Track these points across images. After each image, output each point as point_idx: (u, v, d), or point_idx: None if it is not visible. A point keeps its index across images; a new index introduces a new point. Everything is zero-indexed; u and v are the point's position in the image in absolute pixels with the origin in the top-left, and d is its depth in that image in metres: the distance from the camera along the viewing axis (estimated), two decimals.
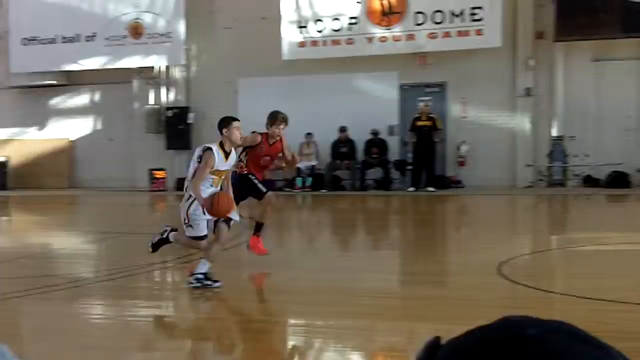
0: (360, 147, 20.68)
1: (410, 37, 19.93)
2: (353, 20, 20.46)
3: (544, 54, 19.48)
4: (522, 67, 19.67)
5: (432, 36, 19.74)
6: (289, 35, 21.00)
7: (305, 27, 20.89)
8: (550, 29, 19.18)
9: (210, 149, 8.10)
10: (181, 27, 22.26)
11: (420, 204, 18.28)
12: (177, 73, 23.09)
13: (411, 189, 19.45)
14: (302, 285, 8.79)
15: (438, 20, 19.66)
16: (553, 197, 18.41)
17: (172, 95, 23.25)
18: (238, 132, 8.23)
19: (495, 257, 9.50)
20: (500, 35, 19.14)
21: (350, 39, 20.45)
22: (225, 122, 8.25)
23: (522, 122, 19.78)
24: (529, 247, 11.75)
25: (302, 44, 20.98)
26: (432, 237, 13.18)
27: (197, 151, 8.28)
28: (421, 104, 19.87)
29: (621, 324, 6.41)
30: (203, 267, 8.20)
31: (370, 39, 20.30)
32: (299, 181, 20.67)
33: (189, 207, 8.11)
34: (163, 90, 23.22)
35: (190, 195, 8.10)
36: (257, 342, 6.56)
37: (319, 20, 20.76)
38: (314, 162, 20.85)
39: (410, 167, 20.06)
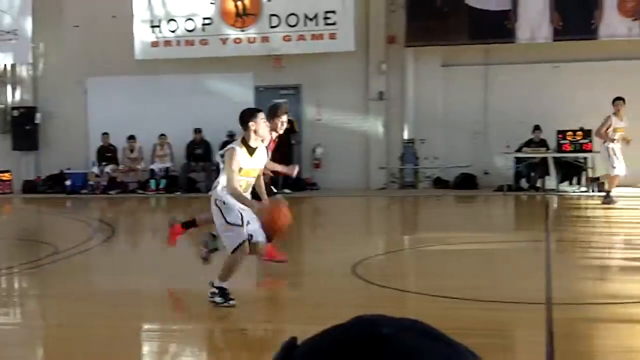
0: (215, 148, 20.48)
1: (265, 39, 19.95)
2: (207, 21, 20.27)
3: (395, 58, 19.90)
4: (374, 71, 20.03)
5: (286, 39, 19.81)
6: (142, 34, 20.58)
7: (158, 26, 20.52)
8: (401, 33, 19.63)
9: (232, 147, 7.34)
10: (28, 25, 21.40)
11: None
12: (23, 72, 22.18)
13: None
14: (157, 290, 8.61)
15: (292, 23, 19.76)
16: (405, 198, 18.86)
17: (18, 95, 22.31)
18: (266, 125, 7.47)
19: (350, 257, 9.61)
20: (353, 40, 19.42)
21: (204, 39, 20.25)
22: (250, 114, 7.41)
23: (375, 125, 20.14)
24: (383, 247, 11.97)
25: (155, 44, 20.60)
26: (288, 239, 13.20)
27: (220, 153, 7.58)
28: None
29: (470, 321, 6.62)
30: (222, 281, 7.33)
31: (224, 40, 20.17)
32: (152, 183, 20.28)
33: (224, 216, 7.19)
34: (9, 89, 22.25)
35: (224, 203, 7.20)
36: (107, 348, 6.35)
37: (172, 20, 20.45)
38: (168, 164, 20.51)
39: None
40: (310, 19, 19.62)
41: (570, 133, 17.73)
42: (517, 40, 18.88)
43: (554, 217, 14.83)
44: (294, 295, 8.22)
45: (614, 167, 15.22)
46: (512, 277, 8.84)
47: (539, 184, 18.43)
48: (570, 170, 18.42)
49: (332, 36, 19.47)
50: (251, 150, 7.34)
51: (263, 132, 7.39)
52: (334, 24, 19.44)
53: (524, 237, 12.22)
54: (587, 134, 17.55)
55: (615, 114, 15.25)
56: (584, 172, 18.17)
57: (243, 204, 7.10)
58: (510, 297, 7.49)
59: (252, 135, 7.30)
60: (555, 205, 16.51)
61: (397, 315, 0.91)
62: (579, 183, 18.28)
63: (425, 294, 7.82)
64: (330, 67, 19.87)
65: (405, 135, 19.96)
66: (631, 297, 7.43)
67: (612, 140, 15.14)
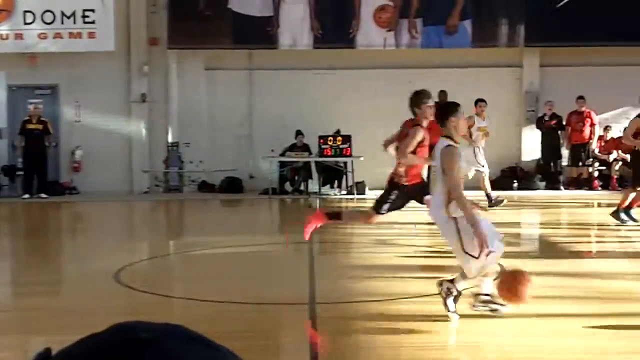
0: None
1: (19, 36, 18.90)
2: None
3: (158, 60, 19.57)
4: (136, 72, 19.58)
5: (42, 36, 18.91)
6: None
7: None
8: (163, 35, 19.34)
9: (450, 145, 6.42)
10: None
11: (32, 211, 17.38)
12: None
13: (26, 195, 18.36)
14: None
15: (48, 21, 18.89)
16: (170, 202, 18.60)
17: None
18: (466, 121, 6.60)
19: (113, 264, 9.30)
20: (113, 39, 18.89)
21: None
22: (452, 109, 6.67)
23: (138, 128, 19.70)
24: (147, 252, 11.71)
25: None
26: (46, 246, 12.57)
27: (439, 154, 6.44)
28: (31, 107, 18.93)
29: (235, 324, 6.60)
30: (487, 286, 6.51)
31: None
32: None
33: (462, 241, 6.27)
34: None
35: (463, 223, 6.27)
36: None
37: None
38: None
39: (20, 173, 19.00)
40: (68, 17, 18.88)
41: (330, 138, 18.28)
42: (280, 46, 19.23)
43: None
44: (51, 304, 7.78)
45: (480, 170, 15.44)
46: (276, 279, 8.92)
47: (302, 188, 18.85)
48: (332, 174, 19.01)
49: (91, 35, 18.82)
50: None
51: (463, 129, 6.79)
52: (93, 22, 18.80)
53: (288, 239, 12.41)
54: (346, 139, 18.16)
55: (477, 114, 15.65)
56: (344, 176, 18.83)
57: (471, 223, 6.14)
58: (275, 299, 7.55)
59: (453, 131, 6.59)
60: (317, 207, 16.94)
61: (162, 321, 0.89)
62: (339, 186, 18.91)
63: (191, 298, 7.72)
64: (90, 67, 19.18)
65: (170, 139, 19.69)
66: (391, 294, 7.72)
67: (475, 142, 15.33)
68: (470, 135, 15.24)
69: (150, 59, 19.58)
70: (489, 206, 15.23)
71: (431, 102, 8.10)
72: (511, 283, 6.03)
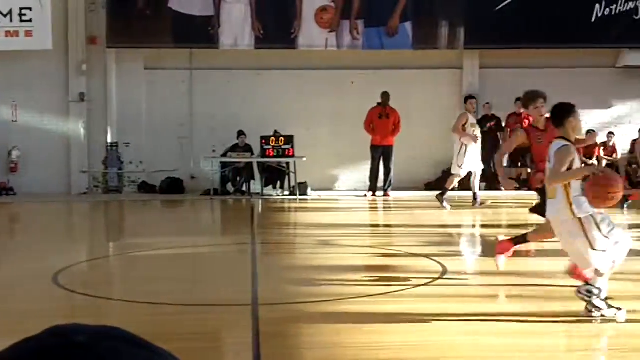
0: None
1: None
2: None
3: (97, 59, 19.27)
4: (74, 71, 19.26)
5: None
6: None
7: None
8: (102, 34, 19.06)
9: (567, 145, 6.44)
10: None
11: None
12: None
13: None
14: None
15: None
16: (109, 203, 18.33)
17: None
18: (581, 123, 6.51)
19: (51, 266, 9.12)
20: (51, 38, 18.55)
21: None
22: (568, 110, 6.65)
23: (76, 128, 19.38)
24: (87, 254, 11.53)
25: None
26: None
27: (553, 154, 6.44)
28: None
29: (176, 326, 6.53)
30: (601, 282, 6.42)
31: None
32: None
33: (589, 240, 6.27)
34: None
35: (592, 220, 6.28)
36: None
37: None
38: None
39: None
40: (5, 15, 18.49)
41: (273, 139, 18.20)
42: (221, 46, 19.10)
43: (259, 221, 15.14)
44: None
45: (459, 167, 15.30)
46: (218, 280, 8.88)
47: (244, 188, 18.75)
48: (274, 175, 18.95)
49: (29, 34, 18.45)
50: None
51: (580, 130, 6.82)
52: (30, 21, 18.44)
53: (230, 241, 12.37)
54: (288, 140, 18.10)
55: (468, 111, 15.51)
56: (286, 177, 18.78)
57: (575, 177, 6.40)
58: (217, 300, 7.51)
59: (571, 132, 6.62)
60: (260, 208, 16.89)
61: (101, 324, 0.89)
62: (282, 187, 18.86)
63: (131, 300, 7.61)
64: (27, 66, 18.81)
65: (109, 139, 19.41)
66: (333, 294, 7.72)
67: (473, 138, 15.10)
68: (464, 131, 15.26)
69: (89, 58, 19.28)
70: (472, 205, 15.35)
71: (541, 104, 8.08)
72: (603, 184, 6.20)
